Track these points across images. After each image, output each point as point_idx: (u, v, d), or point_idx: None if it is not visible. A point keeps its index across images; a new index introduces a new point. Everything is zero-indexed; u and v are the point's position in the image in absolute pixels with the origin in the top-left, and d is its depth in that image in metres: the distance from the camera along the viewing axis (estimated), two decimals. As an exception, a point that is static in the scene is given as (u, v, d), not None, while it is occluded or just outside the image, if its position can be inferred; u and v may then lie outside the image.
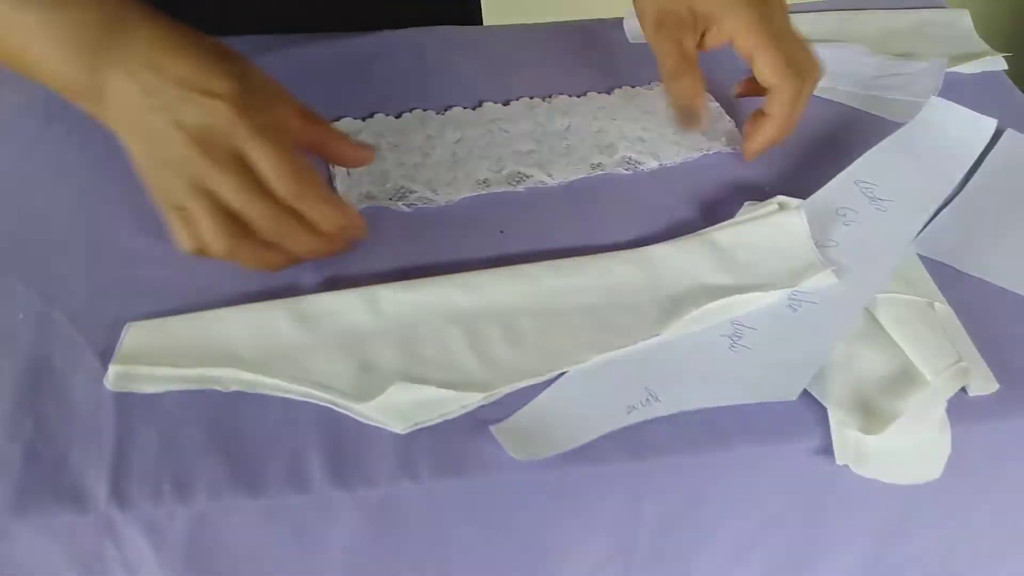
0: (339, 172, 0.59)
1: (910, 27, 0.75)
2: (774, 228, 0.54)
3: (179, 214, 0.49)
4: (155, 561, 0.45)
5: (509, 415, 0.47)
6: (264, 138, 0.48)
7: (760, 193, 0.59)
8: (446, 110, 0.65)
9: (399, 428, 0.46)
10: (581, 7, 0.81)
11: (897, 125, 0.62)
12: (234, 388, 0.47)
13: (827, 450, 0.47)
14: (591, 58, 0.71)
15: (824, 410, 0.47)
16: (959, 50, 0.72)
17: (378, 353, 0.49)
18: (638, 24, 0.72)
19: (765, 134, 0.59)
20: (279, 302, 0.51)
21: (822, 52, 0.59)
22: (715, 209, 0.58)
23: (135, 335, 0.49)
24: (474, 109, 0.65)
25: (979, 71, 0.70)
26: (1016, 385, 0.49)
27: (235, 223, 0.49)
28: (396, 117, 0.64)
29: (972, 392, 0.48)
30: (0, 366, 0.47)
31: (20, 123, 0.62)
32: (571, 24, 0.75)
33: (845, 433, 0.46)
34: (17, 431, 0.45)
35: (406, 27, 0.72)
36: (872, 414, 0.47)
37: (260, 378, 0.47)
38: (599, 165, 0.61)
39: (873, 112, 0.66)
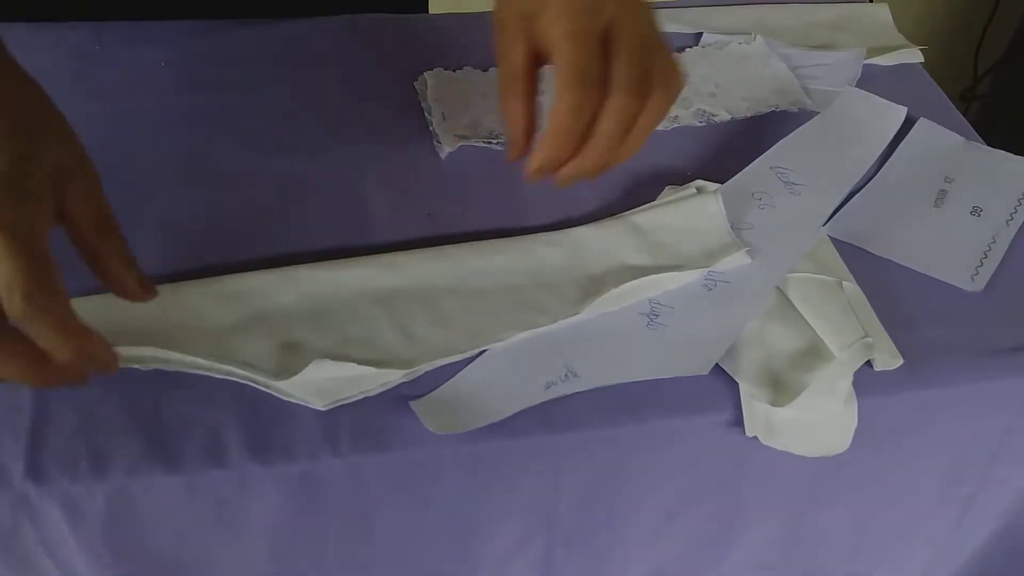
0: (436, 115, 0.63)
1: (830, 20, 0.77)
2: (692, 211, 0.56)
3: None
4: (73, 539, 0.45)
5: (430, 391, 0.48)
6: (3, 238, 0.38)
7: (681, 177, 0.60)
8: None
9: (319, 405, 0.46)
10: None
11: (815, 113, 0.64)
12: (155, 367, 0.47)
13: (739, 423, 0.48)
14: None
15: (736, 384, 0.49)
16: (878, 43, 0.74)
17: (299, 332, 0.49)
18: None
19: (540, 151, 0.48)
20: (200, 282, 0.51)
21: (745, 48, 0.61)
22: (633, 193, 0.60)
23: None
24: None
25: (897, 63, 0.73)
26: (919, 360, 0.51)
27: None
28: (484, 71, 0.68)
29: (877, 367, 0.50)
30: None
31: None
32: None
33: (755, 406, 0.48)
34: (-68, 410, 0.45)
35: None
36: (781, 387, 0.49)
37: (181, 357, 0.47)
38: (676, 118, 0.65)
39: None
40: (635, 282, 0.52)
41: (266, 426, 0.46)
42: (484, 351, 0.50)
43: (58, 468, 0.43)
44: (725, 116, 0.66)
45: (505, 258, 0.54)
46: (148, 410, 0.46)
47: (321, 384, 0.47)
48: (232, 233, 0.55)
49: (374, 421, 0.46)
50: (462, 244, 0.54)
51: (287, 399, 0.47)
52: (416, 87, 0.67)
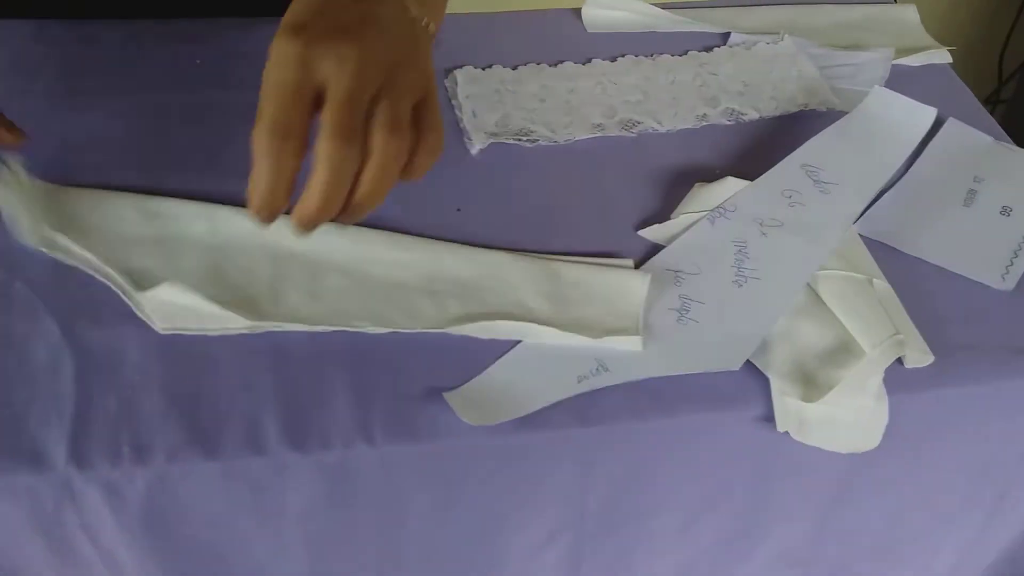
0: (466, 112, 0.64)
1: (858, 21, 0.78)
2: (616, 283, 0.53)
3: None
4: (114, 523, 0.45)
5: (462, 383, 0.48)
6: None
7: (710, 174, 0.61)
8: (557, 64, 0.69)
9: (159, 326, 0.49)
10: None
11: (843, 113, 0.64)
12: (57, 255, 0.52)
13: (769, 418, 0.49)
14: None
15: (766, 380, 0.49)
16: (906, 43, 0.75)
17: (188, 259, 0.52)
18: (597, 12, 0.74)
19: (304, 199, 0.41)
20: (132, 196, 0.56)
21: (773, 47, 0.61)
22: (664, 190, 0.60)
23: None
24: (584, 64, 0.69)
25: (925, 63, 0.73)
26: (950, 357, 0.51)
27: None
28: (512, 69, 0.69)
29: (908, 364, 0.50)
30: (-41, 333, 0.48)
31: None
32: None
33: (786, 401, 0.48)
34: (-24, 396, 0.45)
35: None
36: (812, 383, 0.49)
37: (81, 252, 0.52)
38: (704, 116, 0.66)
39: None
40: (514, 324, 0.51)
41: (302, 414, 0.46)
42: (517, 343, 0.50)
43: (100, 454, 0.44)
44: (754, 115, 0.66)
45: (410, 256, 0.54)
46: (187, 398, 0.46)
47: (168, 307, 0.49)
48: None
49: (407, 412, 0.47)
50: (382, 232, 0.55)
51: (137, 312, 0.49)
52: (446, 84, 0.67)
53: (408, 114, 0.43)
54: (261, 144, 0.40)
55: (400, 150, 0.42)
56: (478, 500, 0.50)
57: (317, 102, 0.41)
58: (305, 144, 0.41)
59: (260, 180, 0.41)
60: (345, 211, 0.42)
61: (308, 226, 0.42)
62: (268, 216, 0.42)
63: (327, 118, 0.41)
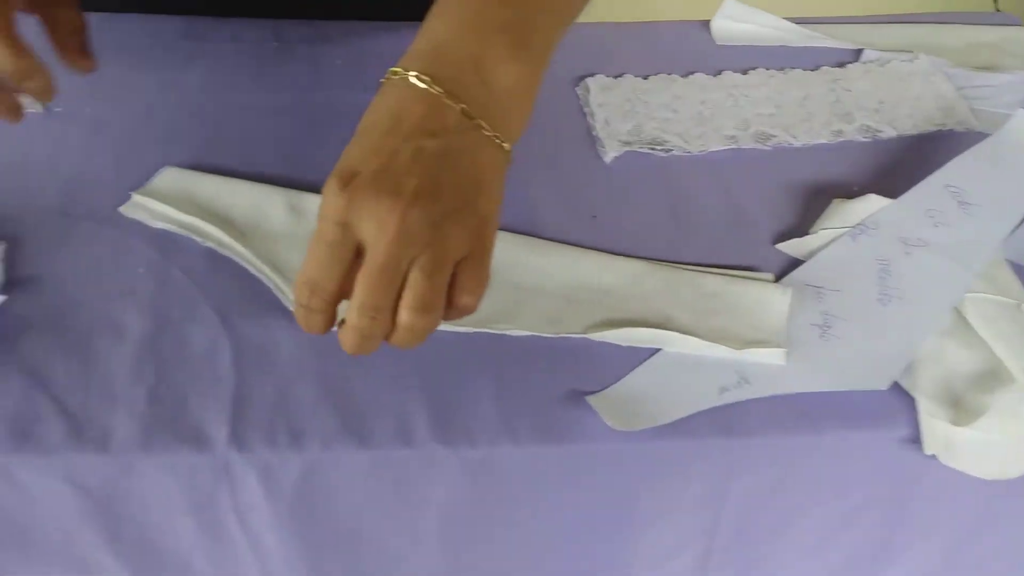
0: (599, 120, 0.65)
1: (992, 42, 0.76)
2: (759, 297, 0.53)
3: None
4: (265, 506, 0.47)
5: (603, 388, 0.49)
6: None
7: (848, 191, 0.60)
8: (688, 75, 0.69)
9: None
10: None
11: (982, 134, 0.63)
12: (209, 244, 0.54)
13: (915, 440, 0.48)
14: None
15: (912, 401, 0.49)
16: (1042, 66, 0.73)
17: None
18: (726, 24, 0.74)
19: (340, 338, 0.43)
20: (284, 191, 0.57)
21: (908, 65, 0.60)
22: (803, 206, 0.60)
23: (165, 177, 0.58)
24: (715, 76, 0.70)
25: (1063, 87, 0.71)
26: (1102, 388, 0.49)
27: None
28: (643, 79, 0.69)
29: (1058, 392, 0.49)
30: (123, 316, 0.50)
31: (128, 81, 0.65)
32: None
33: (934, 424, 0.48)
34: (141, 376, 0.47)
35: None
36: (960, 407, 0.48)
37: (234, 244, 0.54)
38: (840, 132, 0.65)
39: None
40: (655, 331, 0.51)
41: (449, 411, 0.47)
42: (657, 351, 0.50)
43: (258, 438, 0.45)
44: (891, 132, 0.65)
45: (548, 261, 0.55)
46: (339, 389, 0.48)
47: None
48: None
49: (551, 413, 0.48)
50: (521, 236, 0.56)
51: (288, 306, 0.51)
52: (577, 92, 0.68)
53: (443, 287, 0.42)
54: (296, 291, 0.42)
55: (426, 329, 0.42)
56: (615, 504, 0.50)
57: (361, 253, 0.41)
58: (336, 299, 0.42)
59: (298, 319, 0.43)
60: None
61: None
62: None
63: (358, 287, 0.41)
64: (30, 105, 0.62)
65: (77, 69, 0.53)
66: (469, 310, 0.43)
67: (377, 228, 0.40)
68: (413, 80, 0.42)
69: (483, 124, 0.43)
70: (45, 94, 0.49)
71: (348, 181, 0.41)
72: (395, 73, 0.44)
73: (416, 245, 0.40)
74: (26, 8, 0.50)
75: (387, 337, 0.42)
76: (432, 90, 0.42)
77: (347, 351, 0.42)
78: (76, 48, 0.53)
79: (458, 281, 0.42)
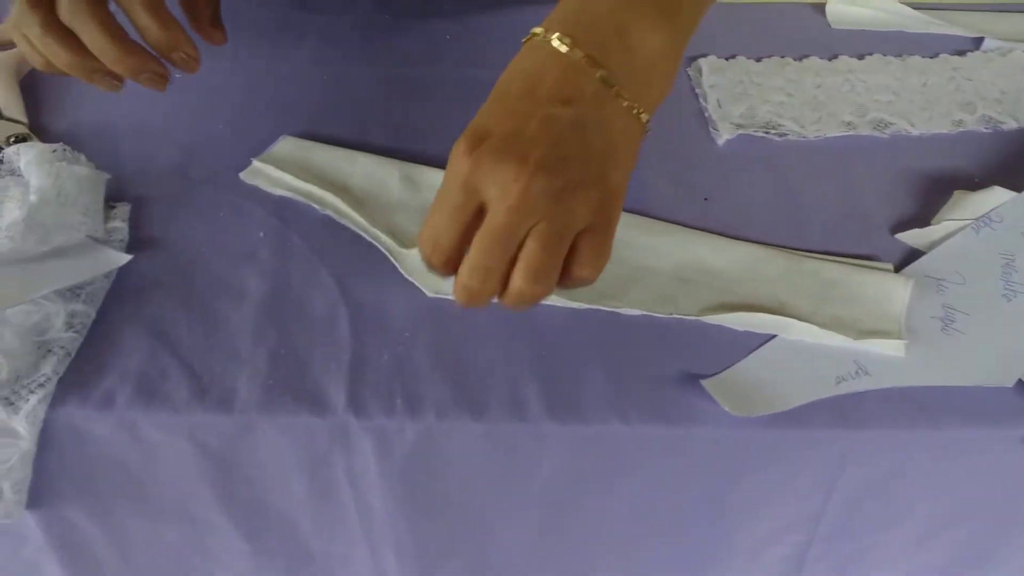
0: (711, 102, 0.64)
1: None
2: (878, 286, 0.52)
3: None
4: (377, 471, 0.47)
5: (718, 371, 0.48)
6: None
7: (970, 183, 0.58)
8: (802, 59, 0.68)
9: (428, 290, 0.51)
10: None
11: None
12: (328, 212, 0.55)
13: (1037, 440, 0.47)
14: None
15: (1036, 400, 0.47)
16: None
17: None
18: (842, 8, 0.72)
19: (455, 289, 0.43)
20: (399, 163, 0.58)
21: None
22: (922, 198, 0.58)
23: (283, 146, 0.59)
24: (830, 60, 0.69)
25: None
26: None
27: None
28: (756, 61, 0.68)
29: None
30: (245, 280, 0.51)
31: (240, 51, 0.66)
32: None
33: (1060, 424, 0.46)
34: (262, 338, 0.48)
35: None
36: (1089, 408, 0.46)
37: (350, 212, 0.55)
38: (960, 122, 0.64)
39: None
40: (772, 317, 0.50)
41: (560, 387, 0.47)
42: (772, 338, 0.50)
43: (376, 403, 0.46)
44: (1012, 124, 0.63)
45: (661, 241, 0.54)
46: (454, 360, 0.48)
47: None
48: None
49: (662, 395, 0.47)
50: (634, 216, 0.56)
51: (407, 276, 0.51)
52: (688, 73, 0.67)
53: (558, 258, 0.41)
54: (419, 245, 0.43)
55: (536, 297, 0.42)
56: (720, 488, 0.50)
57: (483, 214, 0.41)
58: (456, 257, 0.42)
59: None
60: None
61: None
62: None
63: (473, 248, 0.41)
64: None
65: (209, 41, 0.55)
66: (586, 283, 0.43)
67: (499, 193, 0.40)
68: (555, 43, 0.42)
69: (622, 93, 0.42)
70: (189, 65, 0.50)
71: (476, 144, 0.41)
72: (536, 34, 0.43)
73: (535, 214, 0.40)
74: None
75: (498, 297, 0.43)
76: (573, 54, 0.42)
77: (458, 303, 0.43)
78: (208, 20, 0.54)
79: (578, 253, 0.42)
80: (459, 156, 0.41)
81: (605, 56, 0.42)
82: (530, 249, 0.41)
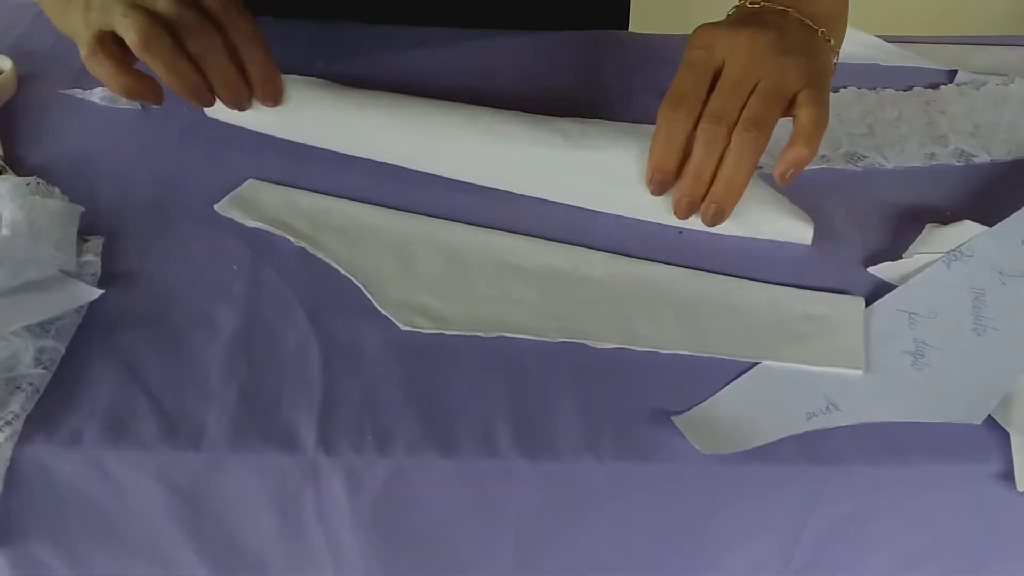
0: None
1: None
2: (843, 319, 0.53)
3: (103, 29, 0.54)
4: (347, 509, 0.47)
5: (688, 406, 0.48)
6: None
7: (942, 216, 0.59)
8: None
9: (401, 324, 0.51)
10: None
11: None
12: (302, 244, 0.55)
13: (1007, 476, 0.47)
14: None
15: (1005, 435, 0.47)
16: None
17: (424, 263, 0.55)
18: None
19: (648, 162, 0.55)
20: (373, 207, 0.58)
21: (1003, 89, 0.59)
22: (892, 230, 0.58)
23: (251, 186, 0.59)
24: None
25: None
26: None
27: (162, 25, 0.53)
28: None
29: None
30: (217, 314, 0.51)
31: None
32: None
33: (1029, 460, 0.46)
34: (233, 374, 0.48)
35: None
36: (1058, 444, 0.47)
37: (325, 243, 0.55)
38: (933, 155, 0.64)
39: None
40: (739, 350, 0.51)
41: (532, 423, 0.47)
42: (743, 372, 0.50)
43: (346, 441, 0.46)
44: (985, 157, 0.64)
45: (629, 273, 0.55)
46: (425, 395, 0.48)
47: (407, 307, 0.52)
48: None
49: (635, 431, 0.47)
50: (598, 252, 0.56)
51: (378, 307, 0.52)
52: (665, 105, 0.68)
53: (776, 113, 0.53)
54: (660, 112, 0.53)
55: (753, 146, 0.52)
56: (692, 524, 0.49)
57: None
58: (699, 110, 0.53)
59: (654, 148, 0.54)
60: (707, 201, 0.54)
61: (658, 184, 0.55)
62: (660, 183, 0.55)
63: (711, 98, 0.53)
64: (127, 103, 0.63)
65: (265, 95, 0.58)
66: (803, 158, 0.53)
67: (735, 48, 0.53)
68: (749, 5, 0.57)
69: (810, 23, 0.56)
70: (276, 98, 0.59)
71: (716, 25, 0.55)
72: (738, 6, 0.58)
73: (766, 67, 0.53)
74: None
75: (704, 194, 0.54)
76: (773, 6, 0.56)
77: (680, 200, 0.55)
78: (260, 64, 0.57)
79: (798, 121, 0.53)
80: (704, 28, 0.55)
81: (798, 7, 0.56)
82: (753, 101, 0.52)
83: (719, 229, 0.56)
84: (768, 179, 0.57)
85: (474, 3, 0.76)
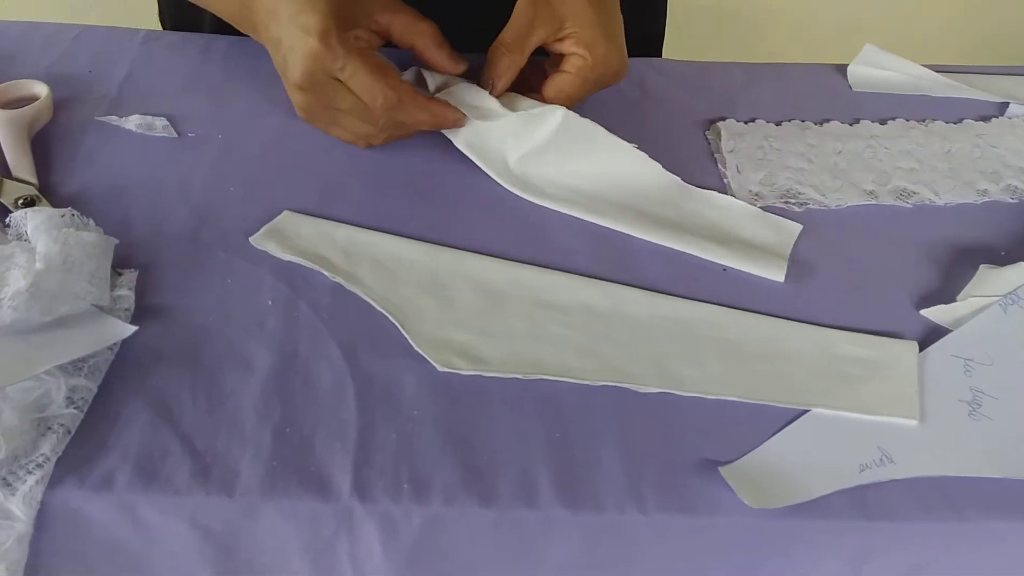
0: (730, 168, 0.63)
1: None
2: (895, 364, 0.51)
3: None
4: (382, 556, 0.46)
5: (735, 455, 0.47)
6: (353, 66, 0.56)
7: (995, 256, 0.57)
8: (823, 123, 0.68)
9: (439, 364, 0.50)
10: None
11: None
12: (337, 279, 0.54)
13: (1070, 534, 0.45)
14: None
15: (1069, 493, 0.45)
16: None
17: (462, 301, 0.53)
18: (864, 71, 0.71)
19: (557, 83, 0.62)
20: (410, 241, 0.57)
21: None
22: (947, 270, 0.57)
23: (285, 218, 0.57)
24: (851, 124, 0.67)
25: None
26: None
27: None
28: (776, 125, 0.67)
29: None
30: (252, 351, 0.50)
31: (258, 108, 0.65)
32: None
33: (1094, 520, 0.44)
34: (267, 415, 0.47)
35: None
36: (1125, 503, 0.45)
37: (361, 279, 0.54)
38: (984, 191, 0.62)
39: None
40: (789, 396, 0.49)
41: (573, 472, 0.46)
42: (792, 420, 0.48)
43: (382, 487, 0.44)
44: (1040, 194, 0.62)
45: (673, 312, 0.53)
46: (463, 440, 0.47)
47: (444, 344, 0.51)
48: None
49: (681, 481, 0.46)
50: (641, 290, 0.55)
51: (415, 346, 0.51)
52: (707, 137, 0.66)
53: None
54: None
55: None
56: (738, 573, 0.48)
57: None
58: None
59: None
60: None
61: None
62: None
63: None
64: (163, 130, 0.63)
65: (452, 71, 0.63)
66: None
67: None
68: None
69: None
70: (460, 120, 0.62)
71: None
72: None
73: None
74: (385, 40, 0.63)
75: None
76: None
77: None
78: (445, 56, 0.63)
79: None
80: None
81: None
82: None
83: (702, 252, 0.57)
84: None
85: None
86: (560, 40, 0.62)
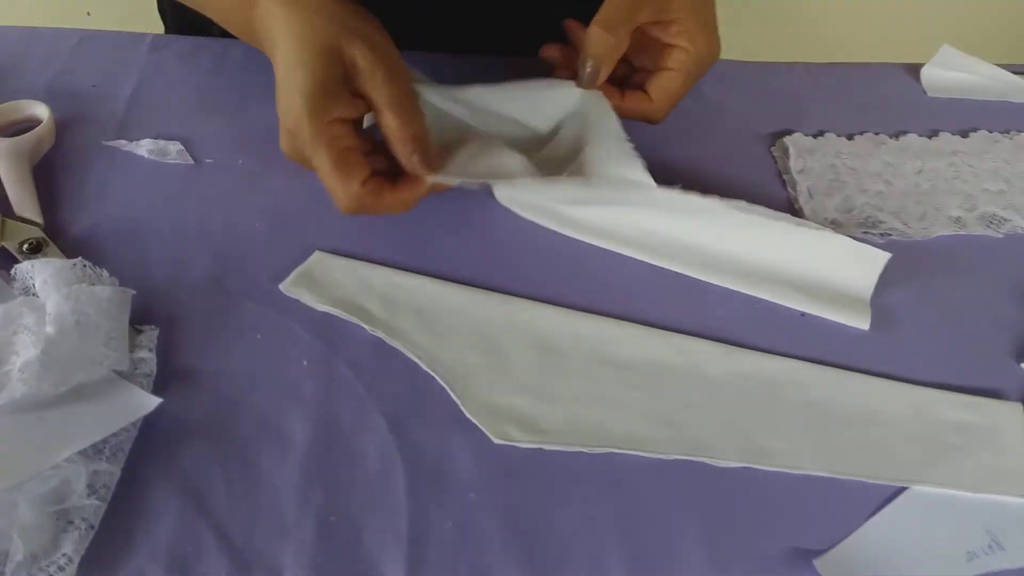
0: (801, 191, 0.58)
1: None
2: (1004, 430, 0.46)
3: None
4: (440, 656, 0.42)
5: (827, 539, 0.42)
6: (319, 159, 0.49)
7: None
8: (899, 136, 0.62)
9: (495, 436, 0.45)
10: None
11: None
12: (377, 333, 0.49)
13: None
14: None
15: None
16: None
17: (518, 362, 0.48)
18: (939, 74, 0.65)
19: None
20: (455, 286, 0.52)
21: None
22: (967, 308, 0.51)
23: (316, 260, 0.52)
24: (930, 138, 0.62)
25: None
26: None
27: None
28: (848, 139, 0.61)
29: None
30: (288, 423, 0.45)
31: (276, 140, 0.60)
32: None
33: None
34: (309, 500, 0.42)
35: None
36: None
37: (405, 334, 0.49)
38: (1007, 221, 0.56)
39: None
40: (884, 472, 0.45)
41: (650, 558, 0.41)
42: (887, 501, 0.43)
43: (439, 585, 0.40)
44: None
45: (752, 370, 0.49)
46: (527, 526, 0.42)
47: (499, 414, 0.46)
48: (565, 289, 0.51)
49: (769, 571, 0.41)
50: (713, 343, 0.50)
51: (466, 414, 0.46)
52: (772, 153, 0.61)
53: None
54: None
55: None
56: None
57: None
58: None
59: None
60: None
61: None
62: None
63: None
64: (178, 155, 0.57)
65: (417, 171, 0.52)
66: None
67: None
68: None
69: None
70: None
71: None
72: None
73: None
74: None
75: None
76: None
77: None
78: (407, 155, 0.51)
79: None
80: None
81: None
82: None
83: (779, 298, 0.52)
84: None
85: (509, 34, 0.68)
86: (663, 24, 0.54)
